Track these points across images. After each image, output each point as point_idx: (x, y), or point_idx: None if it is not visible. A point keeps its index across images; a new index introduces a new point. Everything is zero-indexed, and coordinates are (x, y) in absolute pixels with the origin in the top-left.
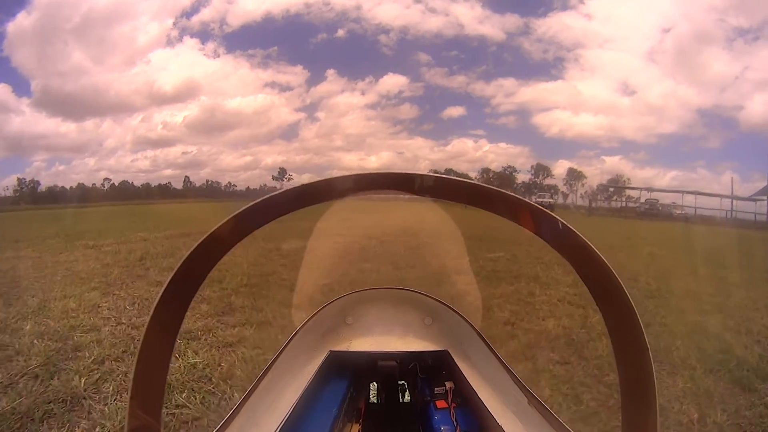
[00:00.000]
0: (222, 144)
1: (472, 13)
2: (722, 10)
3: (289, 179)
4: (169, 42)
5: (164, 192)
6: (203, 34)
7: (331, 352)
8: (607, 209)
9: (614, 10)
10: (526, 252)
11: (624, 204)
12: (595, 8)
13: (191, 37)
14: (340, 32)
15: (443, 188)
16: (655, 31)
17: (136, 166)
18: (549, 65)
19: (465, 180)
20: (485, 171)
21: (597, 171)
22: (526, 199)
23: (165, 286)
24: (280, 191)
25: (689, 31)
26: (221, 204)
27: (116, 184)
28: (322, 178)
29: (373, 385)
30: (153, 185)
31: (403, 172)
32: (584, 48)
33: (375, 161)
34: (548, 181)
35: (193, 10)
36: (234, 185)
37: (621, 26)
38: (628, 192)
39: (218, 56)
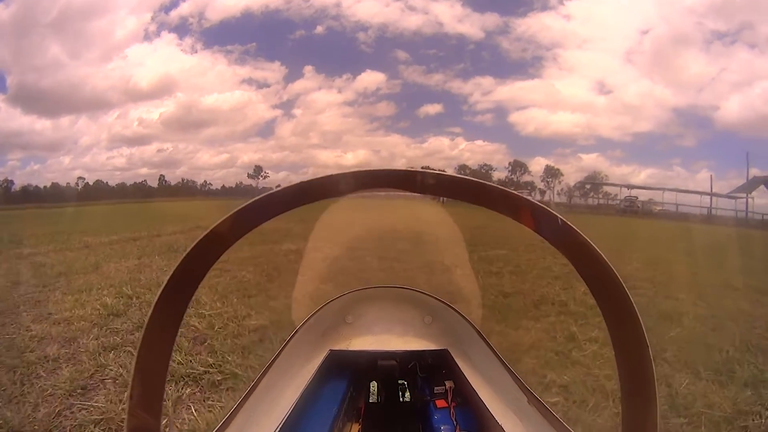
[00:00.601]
0: (198, 141)
1: (452, 11)
2: (701, 14)
3: (264, 177)
4: (147, 37)
5: (139, 191)
6: (181, 29)
7: (331, 351)
8: (585, 206)
9: (593, 11)
10: (528, 262)
11: (606, 201)
12: (575, 9)
13: (169, 32)
14: (319, 29)
15: (444, 186)
16: (634, 32)
17: (112, 164)
18: (527, 64)
19: (466, 177)
20: (462, 168)
21: (573, 168)
22: (526, 197)
23: (164, 284)
24: (281, 188)
25: (668, 33)
26: (193, 203)
27: (90, 183)
28: (323, 175)
29: (373, 384)
30: (128, 184)
31: (405, 169)
32: (562, 48)
33: (351, 158)
34: (525, 178)
35: (172, 4)
36: (210, 183)
37: (600, 27)
38: (606, 189)
39: (196, 52)
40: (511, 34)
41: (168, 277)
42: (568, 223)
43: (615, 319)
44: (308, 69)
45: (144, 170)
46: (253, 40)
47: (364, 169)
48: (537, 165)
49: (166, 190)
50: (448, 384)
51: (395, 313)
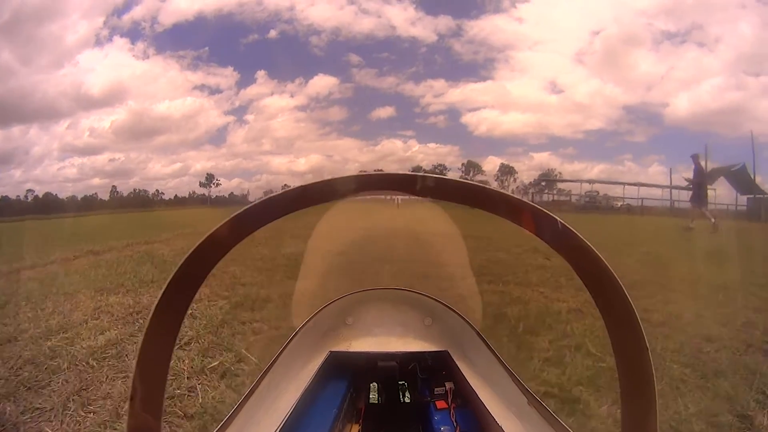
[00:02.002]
0: (150, 150)
1: (405, 14)
2: (652, 15)
3: (217, 185)
4: (98, 42)
5: (89, 203)
6: (133, 34)
7: (331, 352)
8: (543, 203)
9: (545, 13)
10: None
11: (568, 198)
12: (527, 12)
13: (121, 36)
14: (272, 33)
15: (444, 189)
16: (585, 33)
17: (63, 175)
18: (479, 66)
19: (466, 181)
20: (417, 169)
21: (525, 167)
22: (526, 200)
23: (164, 287)
24: (281, 192)
25: (618, 33)
26: (134, 215)
27: (40, 195)
28: (323, 179)
29: (373, 386)
30: (79, 196)
31: (404, 173)
32: (514, 49)
33: (304, 164)
34: (479, 178)
35: (126, 8)
36: (162, 193)
37: (551, 29)
38: (560, 185)
39: (148, 57)
40: (463, 37)
41: (168, 280)
42: (568, 226)
43: (614, 321)
44: (261, 74)
45: (96, 180)
46: (206, 45)
47: (364, 173)
48: (490, 164)
49: (117, 202)
50: (448, 385)
51: (395, 314)
